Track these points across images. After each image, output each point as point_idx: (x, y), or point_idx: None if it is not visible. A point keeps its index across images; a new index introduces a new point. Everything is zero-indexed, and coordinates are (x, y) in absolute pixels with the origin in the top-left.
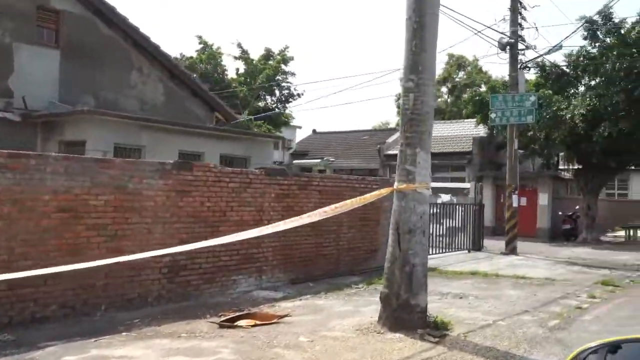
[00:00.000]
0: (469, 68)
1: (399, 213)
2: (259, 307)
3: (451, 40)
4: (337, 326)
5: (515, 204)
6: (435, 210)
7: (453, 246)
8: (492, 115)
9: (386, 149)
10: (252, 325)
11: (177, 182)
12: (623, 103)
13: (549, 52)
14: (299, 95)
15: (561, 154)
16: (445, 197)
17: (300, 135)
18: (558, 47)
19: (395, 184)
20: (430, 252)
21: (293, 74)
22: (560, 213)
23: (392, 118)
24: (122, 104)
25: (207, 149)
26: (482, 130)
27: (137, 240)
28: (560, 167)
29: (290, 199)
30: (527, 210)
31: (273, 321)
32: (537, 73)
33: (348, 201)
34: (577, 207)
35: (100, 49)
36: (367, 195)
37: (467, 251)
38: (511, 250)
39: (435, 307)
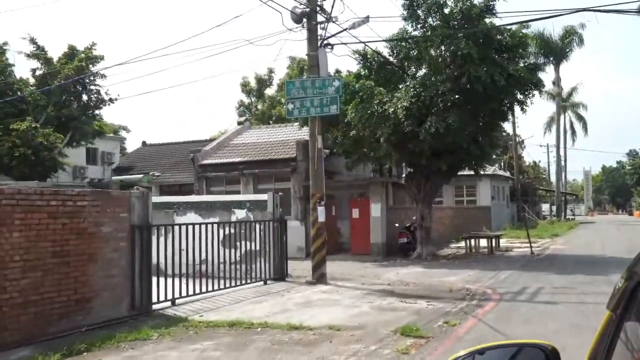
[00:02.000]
0: None
1: None
2: None
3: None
4: None
5: (321, 219)
6: (229, 231)
7: (251, 275)
8: (290, 107)
9: (201, 158)
10: None
11: None
12: (450, 93)
13: (353, 26)
14: (111, 100)
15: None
16: (240, 213)
17: (131, 147)
18: (365, 20)
19: None
20: (215, 287)
21: (103, 76)
22: (397, 225)
23: (234, 127)
24: None
25: None
26: (307, 133)
27: None
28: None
29: None
30: (360, 223)
31: None
32: (359, 63)
33: None
34: (414, 217)
35: None
36: None
37: (263, 282)
38: (319, 277)
39: None
